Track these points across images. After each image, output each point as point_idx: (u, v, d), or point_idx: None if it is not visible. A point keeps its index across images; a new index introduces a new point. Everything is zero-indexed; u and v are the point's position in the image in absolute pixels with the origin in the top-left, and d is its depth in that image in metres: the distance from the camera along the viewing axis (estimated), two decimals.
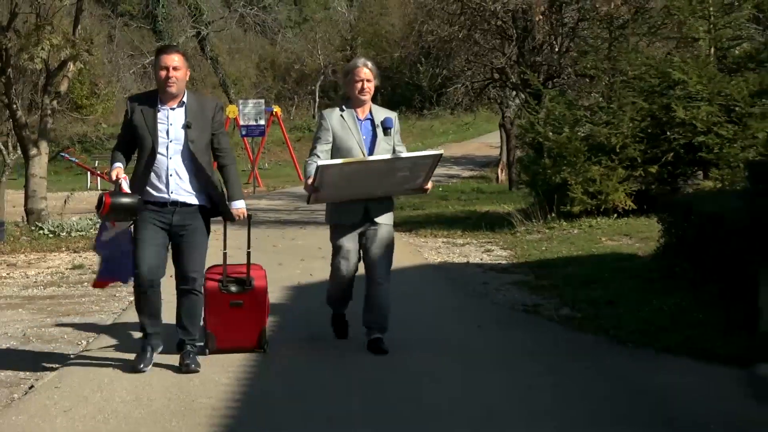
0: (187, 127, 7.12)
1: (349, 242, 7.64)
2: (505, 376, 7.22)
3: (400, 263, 10.48)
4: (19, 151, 20.83)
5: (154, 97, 7.26)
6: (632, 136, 16.77)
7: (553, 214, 16.80)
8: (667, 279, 10.28)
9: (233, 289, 7.47)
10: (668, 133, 16.56)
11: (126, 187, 7.02)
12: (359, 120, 7.66)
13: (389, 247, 7.76)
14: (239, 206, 7.38)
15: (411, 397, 6.66)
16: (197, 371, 7.07)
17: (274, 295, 10.36)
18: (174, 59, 7.18)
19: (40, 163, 19.49)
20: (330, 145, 7.58)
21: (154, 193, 7.12)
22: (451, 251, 14.85)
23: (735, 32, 17.84)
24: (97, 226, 7.76)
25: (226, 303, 7.46)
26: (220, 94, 53.48)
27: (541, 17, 20.24)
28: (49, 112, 19.47)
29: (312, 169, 7.32)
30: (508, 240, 15.75)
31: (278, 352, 7.76)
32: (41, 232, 17.59)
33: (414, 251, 14.59)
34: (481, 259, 13.78)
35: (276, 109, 36.74)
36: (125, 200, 6.93)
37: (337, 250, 7.70)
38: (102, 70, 44.05)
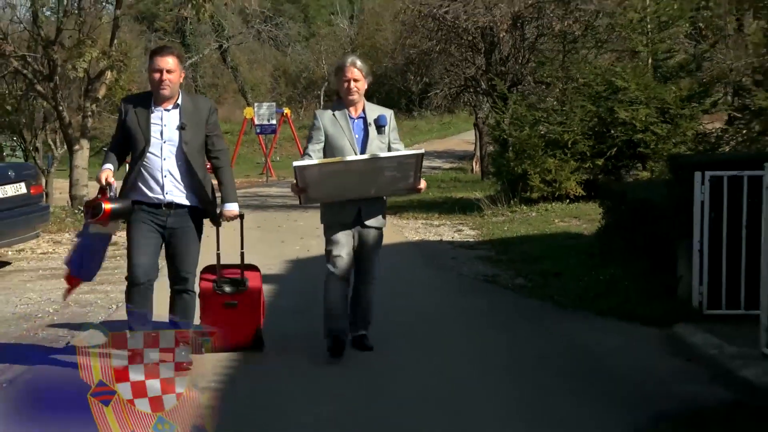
0: (181, 128, 6.13)
1: (343, 237, 6.56)
2: (465, 336, 7.30)
3: (383, 241, 10.53)
4: (65, 146, 20.91)
5: (148, 99, 6.24)
6: (582, 133, 16.82)
7: (516, 200, 16.84)
8: (605, 254, 10.27)
9: (227, 289, 6.61)
10: (612, 131, 16.64)
11: (111, 192, 6.08)
12: (351, 118, 6.55)
13: (378, 248, 6.79)
14: (232, 208, 6.44)
15: (381, 358, 6.76)
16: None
17: (275, 267, 10.50)
18: (168, 62, 6.12)
19: (82, 156, 19.59)
20: (322, 144, 6.52)
21: (149, 193, 6.16)
22: (428, 231, 14.87)
23: (669, 46, 17.91)
24: None
25: (220, 304, 6.58)
26: (240, 98, 53.40)
27: (505, 33, 20.21)
28: (89, 113, 19.51)
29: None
30: (476, 221, 15.79)
31: (273, 321, 7.50)
32: (83, 214, 17.62)
33: (396, 231, 14.62)
34: (453, 238, 13.80)
35: (286, 110, 36.68)
36: (122, 206, 6.07)
37: (330, 246, 6.60)
38: (139, 78, 43.93)
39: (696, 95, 16.74)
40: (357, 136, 6.54)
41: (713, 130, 17.14)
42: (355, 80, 6.50)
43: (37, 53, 19.37)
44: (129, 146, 6.23)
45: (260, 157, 35.74)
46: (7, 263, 11.79)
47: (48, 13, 20.56)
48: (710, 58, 18.85)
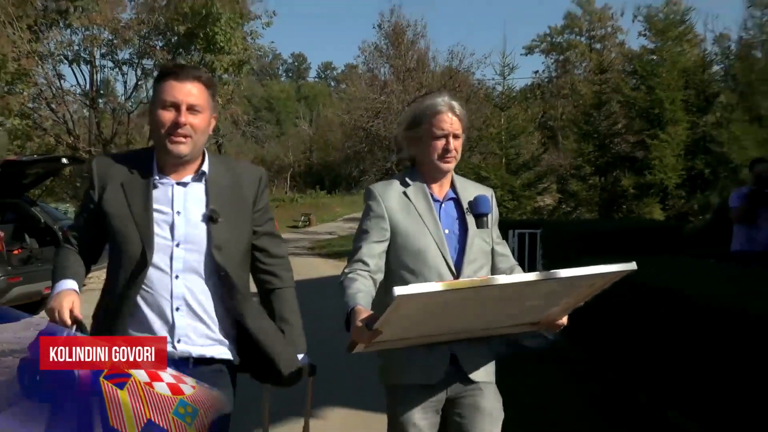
0: (210, 219, 2.34)
1: (423, 419, 2.55)
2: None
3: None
4: None
5: (148, 161, 2.38)
6: None
7: None
8: None
9: None
10: None
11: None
12: (436, 201, 2.69)
13: (497, 422, 2.61)
14: (296, 361, 2.52)
15: None
16: None
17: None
18: (190, 91, 2.31)
19: None
20: (386, 243, 2.61)
21: None
22: None
23: (516, 151, 19.95)
24: None
25: None
26: None
27: None
28: None
29: (354, 290, 2.39)
30: None
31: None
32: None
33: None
34: None
35: None
36: None
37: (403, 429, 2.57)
38: None
39: (533, 183, 18.59)
40: (447, 230, 2.67)
41: (546, 205, 19.38)
42: (455, 136, 2.70)
43: (99, 148, 20.19)
44: (102, 246, 2.48)
45: None
46: None
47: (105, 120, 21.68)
48: (542, 159, 21.08)
